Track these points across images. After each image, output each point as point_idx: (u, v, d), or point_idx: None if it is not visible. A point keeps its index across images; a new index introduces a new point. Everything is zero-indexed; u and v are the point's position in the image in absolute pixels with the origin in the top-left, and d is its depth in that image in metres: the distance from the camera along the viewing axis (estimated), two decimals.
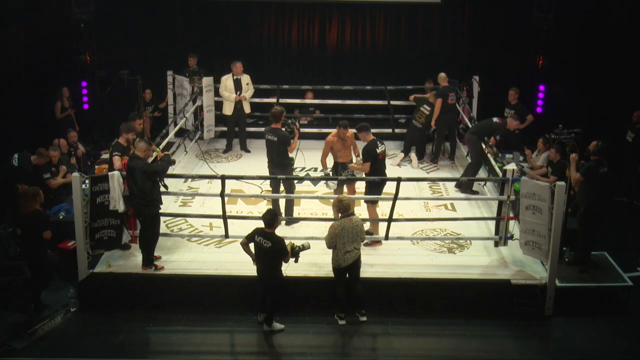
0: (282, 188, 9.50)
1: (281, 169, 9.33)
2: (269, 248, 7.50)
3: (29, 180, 9.60)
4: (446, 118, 11.69)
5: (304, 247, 7.76)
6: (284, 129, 9.39)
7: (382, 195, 8.90)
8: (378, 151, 8.87)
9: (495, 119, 10.64)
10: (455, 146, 12.09)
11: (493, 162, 10.06)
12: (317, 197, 9.91)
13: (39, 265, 8.17)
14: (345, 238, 7.64)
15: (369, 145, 8.93)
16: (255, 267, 7.74)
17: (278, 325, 7.85)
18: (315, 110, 13.52)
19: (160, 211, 8.44)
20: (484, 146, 10.46)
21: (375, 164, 8.87)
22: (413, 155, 12.03)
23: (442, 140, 11.96)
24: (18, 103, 11.58)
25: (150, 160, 8.39)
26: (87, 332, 7.96)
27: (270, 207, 7.77)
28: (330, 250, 8.60)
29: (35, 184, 9.70)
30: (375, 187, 8.85)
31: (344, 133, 9.32)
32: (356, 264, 7.82)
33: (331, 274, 8.21)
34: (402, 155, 12.01)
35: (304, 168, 10.97)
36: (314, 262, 8.55)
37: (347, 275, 7.89)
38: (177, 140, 12.05)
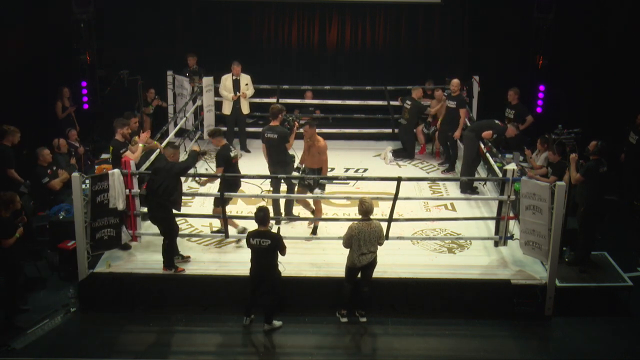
0: (282, 187, 9.50)
1: (282, 167, 9.34)
2: (269, 246, 7.51)
3: (10, 161, 9.61)
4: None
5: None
6: (282, 127, 9.41)
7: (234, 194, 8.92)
8: (232, 154, 8.89)
9: (497, 121, 10.66)
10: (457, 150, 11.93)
11: (492, 162, 10.06)
12: (317, 197, 9.90)
13: (7, 272, 7.86)
14: (361, 241, 7.67)
15: (222, 150, 8.94)
16: None
17: (277, 323, 7.88)
18: (315, 110, 13.52)
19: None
20: (482, 145, 10.47)
21: (229, 167, 8.87)
22: (389, 149, 12.11)
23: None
24: (18, 103, 11.57)
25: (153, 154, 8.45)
26: (87, 332, 7.95)
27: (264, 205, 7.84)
28: (330, 251, 8.64)
29: (18, 164, 9.72)
30: (227, 188, 8.76)
31: (305, 130, 9.14)
32: (370, 266, 7.84)
33: (331, 274, 8.24)
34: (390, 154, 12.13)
35: (299, 168, 10.94)
36: (314, 262, 8.56)
37: (359, 276, 7.91)
38: (177, 140, 12.05)
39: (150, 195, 8.26)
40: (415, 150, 12.33)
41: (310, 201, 9.21)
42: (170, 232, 8.36)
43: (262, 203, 9.59)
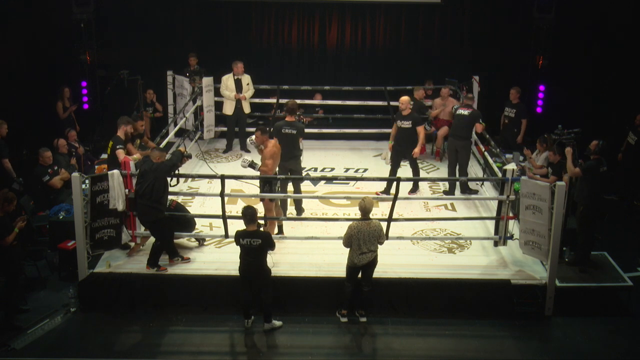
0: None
1: (296, 160, 9.50)
2: (259, 245, 7.52)
3: (3, 151, 9.65)
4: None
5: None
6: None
7: None
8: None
9: (463, 112, 10.47)
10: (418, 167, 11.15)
11: (490, 161, 10.07)
12: (317, 197, 9.92)
13: (7, 272, 7.83)
14: (361, 240, 7.67)
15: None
16: None
17: (277, 323, 7.89)
18: (319, 110, 13.52)
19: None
20: (481, 146, 10.46)
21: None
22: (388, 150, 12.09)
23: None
24: (18, 103, 11.58)
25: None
26: (87, 332, 7.96)
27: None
28: (330, 251, 8.64)
29: (17, 165, 9.86)
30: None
31: (256, 137, 8.89)
32: (371, 265, 7.84)
33: (331, 274, 8.25)
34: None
35: (304, 168, 10.95)
36: (314, 262, 8.56)
37: (360, 275, 7.92)
38: (177, 140, 12.05)
39: (138, 199, 8.25)
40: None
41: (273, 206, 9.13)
42: (162, 235, 8.36)
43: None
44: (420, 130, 10.37)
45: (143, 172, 8.19)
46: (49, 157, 9.92)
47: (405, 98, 10.41)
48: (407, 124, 10.31)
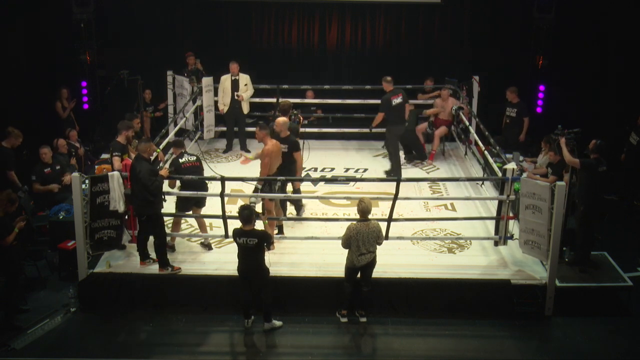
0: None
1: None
2: (256, 244, 7.51)
3: (10, 163, 9.60)
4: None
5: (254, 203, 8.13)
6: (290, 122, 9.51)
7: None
8: (181, 161, 8.79)
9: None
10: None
11: (490, 161, 10.06)
12: (317, 197, 9.91)
13: (7, 272, 7.82)
14: (360, 241, 7.67)
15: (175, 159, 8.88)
16: None
17: (277, 323, 7.88)
18: (317, 109, 13.51)
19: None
20: (482, 144, 10.45)
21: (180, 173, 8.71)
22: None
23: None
24: (18, 103, 11.57)
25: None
26: (87, 332, 7.96)
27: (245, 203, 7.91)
28: (330, 251, 8.64)
29: (17, 165, 9.72)
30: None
31: (256, 133, 8.89)
32: (370, 265, 7.84)
33: (331, 274, 8.24)
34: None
35: (304, 168, 10.95)
36: (314, 262, 8.57)
37: (359, 276, 7.92)
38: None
39: (133, 195, 8.28)
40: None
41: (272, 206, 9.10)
42: (157, 231, 8.32)
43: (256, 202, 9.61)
44: (298, 156, 9.29)
45: (134, 170, 8.17)
46: (44, 154, 9.91)
47: (280, 119, 9.27)
48: (284, 148, 9.15)
